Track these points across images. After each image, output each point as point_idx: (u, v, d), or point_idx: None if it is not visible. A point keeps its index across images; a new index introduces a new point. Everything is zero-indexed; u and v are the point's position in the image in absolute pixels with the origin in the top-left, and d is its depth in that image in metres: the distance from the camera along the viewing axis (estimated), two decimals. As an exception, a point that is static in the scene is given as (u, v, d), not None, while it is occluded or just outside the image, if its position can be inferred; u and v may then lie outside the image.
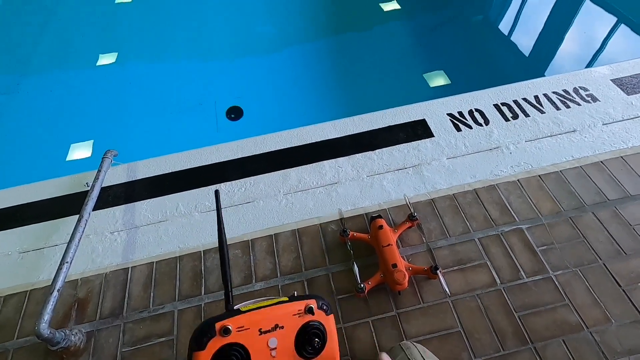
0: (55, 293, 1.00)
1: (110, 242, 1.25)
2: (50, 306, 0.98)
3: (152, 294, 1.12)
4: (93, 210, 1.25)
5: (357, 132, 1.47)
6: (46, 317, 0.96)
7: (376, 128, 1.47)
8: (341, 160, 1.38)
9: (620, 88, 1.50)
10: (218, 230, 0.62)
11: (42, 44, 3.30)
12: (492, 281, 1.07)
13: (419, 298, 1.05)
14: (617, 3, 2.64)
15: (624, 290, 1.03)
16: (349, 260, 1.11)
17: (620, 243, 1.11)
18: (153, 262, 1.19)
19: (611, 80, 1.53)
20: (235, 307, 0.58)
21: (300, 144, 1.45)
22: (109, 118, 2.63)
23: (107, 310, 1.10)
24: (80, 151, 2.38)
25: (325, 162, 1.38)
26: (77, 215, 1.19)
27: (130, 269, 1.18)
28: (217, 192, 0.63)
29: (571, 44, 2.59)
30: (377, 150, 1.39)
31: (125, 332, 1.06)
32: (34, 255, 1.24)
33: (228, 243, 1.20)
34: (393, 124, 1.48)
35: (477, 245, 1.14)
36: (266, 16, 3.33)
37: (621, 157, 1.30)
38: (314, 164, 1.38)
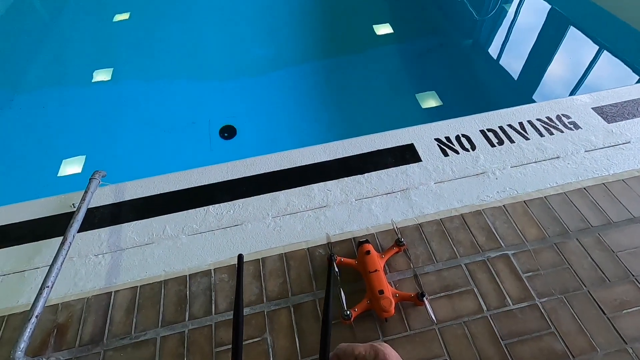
0: (33, 319, 0.97)
1: (94, 265, 1.23)
2: (27, 333, 0.95)
3: (134, 320, 1.10)
4: (78, 232, 1.23)
5: (346, 155, 1.48)
6: (22, 345, 0.93)
7: (365, 152, 1.49)
8: (330, 183, 1.39)
9: (601, 116, 1.55)
10: (235, 304, 0.42)
11: (38, 60, 3.32)
12: (479, 308, 1.07)
13: (405, 325, 1.04)
14: (597, 34, 2.76)
15: (608, 318, 1.04)
16: (336, 286, 1.10)
17: (603, 270, 1.12)
18: (137, 287, 1.17)
19: (592, 108, 1.59)
20: None
21: (290, 167, 1.46)
22: (103, 135, 2.63)
23: (87, 337, 1.07)
24: (72, 167, 2.36)
25: (314, 185, 1.39)
26: (61, 237, 1.17)
27: (113, 293, 1.16)
28: (240, 257, 0.47)
29: (554, 70, 2.68)
30: (365, 174, 1.41)
31: (105, 360, 1.03)
32: (14, 278, 1.21)
33: (215, 267, 1.19)
34: (382, 148, 1.50)
35: (463, 271, 1.14)
36: (261, 38, 3.41)
37: (603, 183, 1.33)
38: (303, 187, 1.39)
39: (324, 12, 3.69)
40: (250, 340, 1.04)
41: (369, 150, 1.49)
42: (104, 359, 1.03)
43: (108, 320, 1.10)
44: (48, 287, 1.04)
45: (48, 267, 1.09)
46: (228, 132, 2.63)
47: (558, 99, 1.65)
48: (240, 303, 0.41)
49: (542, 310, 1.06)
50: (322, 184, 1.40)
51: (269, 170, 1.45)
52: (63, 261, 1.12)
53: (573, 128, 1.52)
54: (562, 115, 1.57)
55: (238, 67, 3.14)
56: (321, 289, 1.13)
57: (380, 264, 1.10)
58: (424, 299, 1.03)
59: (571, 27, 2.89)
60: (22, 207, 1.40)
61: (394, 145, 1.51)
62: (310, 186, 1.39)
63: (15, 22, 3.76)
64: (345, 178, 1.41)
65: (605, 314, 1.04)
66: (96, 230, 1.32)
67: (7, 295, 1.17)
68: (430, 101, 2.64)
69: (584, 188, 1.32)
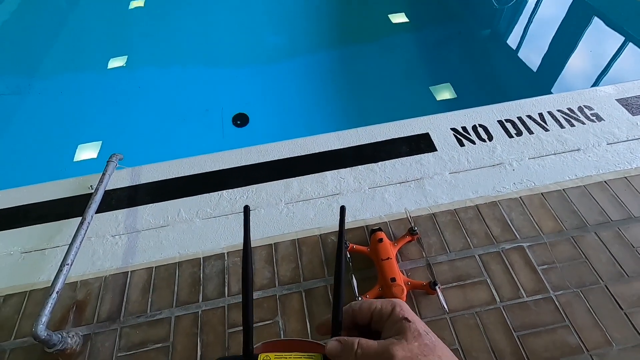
0: (54, 295, 1.01)
1: (112, 246, 1.26)
2: (48, 308, 0.98)
3: (150, 299, 1.13)
4: (96, 213, 1.26)
5: (360, 143, 1.47)
6: (44, 318, 0.96)
7: (380, 140, 1.48)
8: (343, 171, 1.39)
9: (626, 108, 1.50)
10: (244, 255, 0.40)
11: (55, 46, 3.36)
12: (492, 299, 1.06)
13: (416, 313, 1.04)
14: (623, 22, 2.65)
15: (625, 314, 1.02)
16: (348, 272, 1.11)
17: (622, 265, 1.10)
18: (152, 267, 1.19)
19: (616, 100, 1.53)
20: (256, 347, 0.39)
21: (304, 154, 1.45)
22: (117, 121, 2.67)
23: (105, 314, 1.11)
24: (88, 152, 2.41)
25: (327, 172, 1.39)
26: (80, 218, 1.20)
27: (129, 273, 1.19)
28: (246, 208, 0.41)
29: (577, 62, 2.59)
30: (379, 163, 1.40)
31: (122, 337, 1.06)
32: (35, 256, 1.25)
33: (228, 251, 1.21)
34: (396, 136, 1.48)
35: (477, 261, 1.13)
36: (275, 26, 3.38)
37: (625, 177, 1.29)
38: (317, 174, 1.39)
39: (339, -1, 3.63)
40: (262, 323, 1.05)
41: (384, 139, 1.48)
42: (121, 336, 1.06)
43: (124, 299, 1.13)
44: (68, 264, 1.07)
45: (67, 245, 1.12)
46: (241, 119, 2.63)
47: (580, 89, 1.60)
48: (249, 262, 0.39)
49: (557, 303, 1.04)
50: (335, 171, 1.39)
51: (282, 157, 1.45)
52: (82, 240, 1.15)
53: (595, 120, 1.47)
54: (584, 106, 1.52)
55: (252, 55, 3.12)
56: (333, 275, 1.13)
57: (392, 251, 1.09)
58: (436, 287, 1.03)
59: (595, 16, 2.79)
60: (42, 188, 1.44)
61: (409, 134, 1.49)
62: (324, 173, 1.39)
63: (33, 8, 3.81)
64: (359, 166, 1.40)
65: (622, 309, 1.02)
66: (113, 211, 1.35)
67: (29, 271, 1.21)
68: (444, 93, 2.59)
69: (605, 181, 1.29)
